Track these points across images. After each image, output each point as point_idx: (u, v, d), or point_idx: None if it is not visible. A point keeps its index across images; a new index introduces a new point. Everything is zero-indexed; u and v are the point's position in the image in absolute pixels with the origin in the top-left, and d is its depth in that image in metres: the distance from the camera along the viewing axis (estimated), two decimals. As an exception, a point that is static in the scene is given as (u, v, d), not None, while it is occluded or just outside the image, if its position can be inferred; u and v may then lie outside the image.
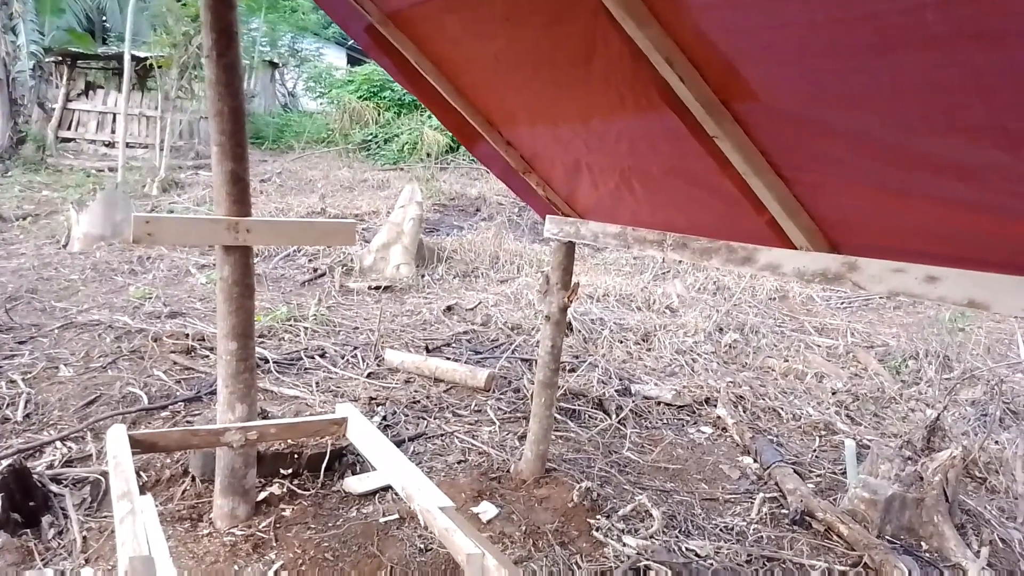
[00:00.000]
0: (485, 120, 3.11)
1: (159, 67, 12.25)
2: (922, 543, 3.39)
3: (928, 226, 1.87)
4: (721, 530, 3.38)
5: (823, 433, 4.70)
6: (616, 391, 4.97)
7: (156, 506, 2.71)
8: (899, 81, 1.48)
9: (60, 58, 15.07)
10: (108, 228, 8.32)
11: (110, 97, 15.02)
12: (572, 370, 5.31)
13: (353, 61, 22.77)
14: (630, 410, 4.69)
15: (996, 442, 4.38)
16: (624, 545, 3.12)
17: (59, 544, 2.87)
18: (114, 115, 14.71)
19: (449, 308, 6.96)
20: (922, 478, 3.52)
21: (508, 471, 3.75)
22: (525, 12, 2.24)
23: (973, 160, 1.56)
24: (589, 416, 4.63)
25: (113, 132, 14.62)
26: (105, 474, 3.25)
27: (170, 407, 4.18)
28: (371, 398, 4.61)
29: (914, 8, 1.30)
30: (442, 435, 4.17)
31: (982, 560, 3.23)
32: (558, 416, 4.36)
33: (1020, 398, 5.28)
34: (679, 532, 3.31)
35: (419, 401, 4.63)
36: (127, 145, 12.61)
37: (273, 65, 19.99)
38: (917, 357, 6.14)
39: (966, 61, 1.33)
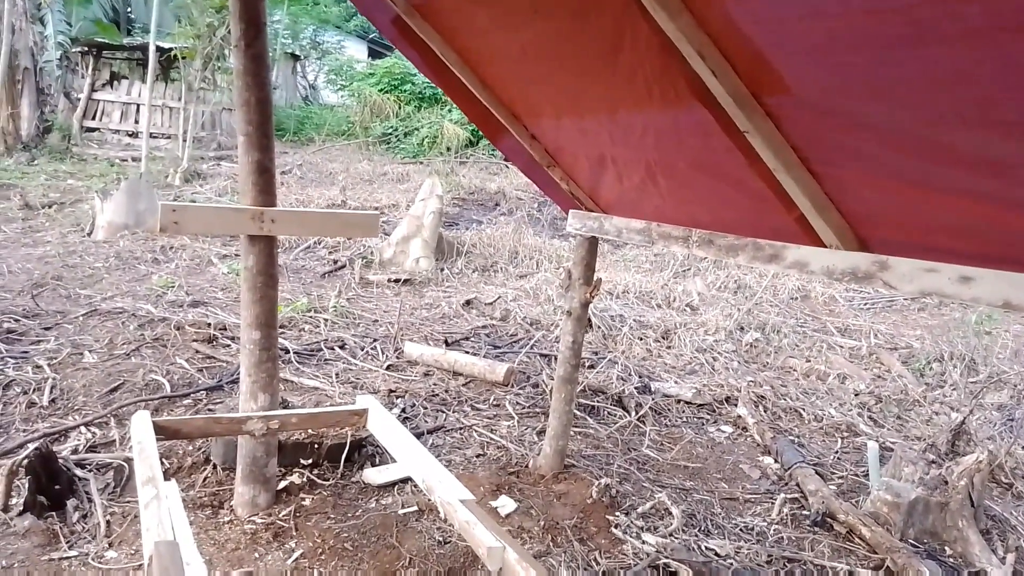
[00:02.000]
0: (510, 113, 3.10)
1: (183, 58, 12.35)
2: (946, 548, 3.34)
3: (961, 223, 1.83)
4: (741, 530, 3.35)
5: (845, 435, 4.64)
6: (636, 388, 4.95)
7: (179, 492, 2.73)
8: (933, 74, 1.45)
9: (86, 48, 15.23)
10: (131, 217, 8.41)
11: (134, 87, 15.16)
12: (591, 366, 5.29)
13: (374, 54, 22.82)
14: (650, 407, 4.67)
15: (1023, 447, 4.31)
16: (643, 543, 3.10)
17: (83, 528, 2.91)
18: (138, 105, 14.86)
19: (468, 302, 6.96)
20: (947, 482, 3.47)
21: (527, 466, 3.75)
22: (553, 3, 2.22)
23: (1008, 155, 1.52)
24: (608, 413, 4.61)
25: (137, 122, 14.76)
26: (128, 460, 3.29)
27: (192, 395, 4.22)
28: (390, 390, 4.62)
29: (950, 0, 1.27)
30: (461, 428, 4.18)
31: (1008, 567, 3.18)
32: (577, 412, 4.35)
33: (1048, 403, 5.20)
34: (699, 531, 3.29)
35: (438, 394, 4.63)
36: (150, 135, 12.71)
37: (295, 57, 20.09)
38: (942, 359, 6.05)
39: (1002, 54, 1.30)
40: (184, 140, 12.42)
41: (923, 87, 1.51)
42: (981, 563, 3.20)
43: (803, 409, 4.95)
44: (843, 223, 2.16)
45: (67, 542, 2.80)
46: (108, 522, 2.94)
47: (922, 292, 2.00)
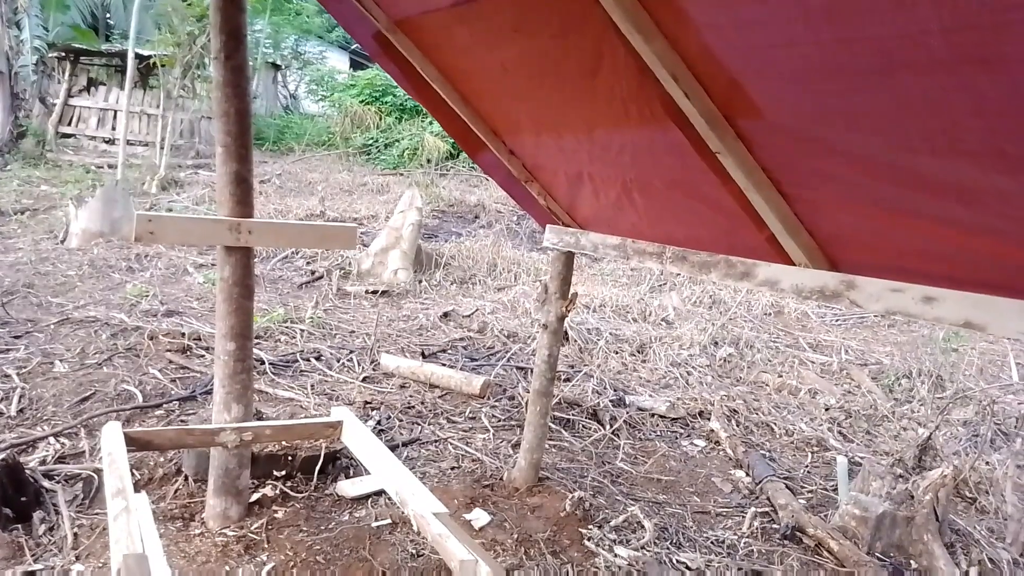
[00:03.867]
0: (489, 129, 3.13)
1: (162, 65, 12.28)
2: (911, 561, 3.40)
3: (927, 246, 1.89)
4: (712, 543, 3.39)
5: (815, 449, 4.71)
6: (611, 402, 4.98)
7: (150, 504, 2.70)
8: (902, 102, 1.51)
9: (63, 54, 15.07)
10: (106, 225, 8.31)
11: (112, 94, 15.02)
12: (567, 380, 5.32)
13: (356, 65, 22.85)
14: (624, 421, 4.70)
15: (987, 463, 4.40)
16: (615, 556, 3.12)
17: (50, 540, 2.87)
18: (115, 112, 14.71)
19: (446, 314, 6.97)
20: (913, 496, 3.53)
21: (501, 479, 3.76)
22: (535, 24, 2.26)
23: (973, 183, 1.58)
24: (583, 426, 4.63)
25: (114, 129, 14.61)
26: (98, 471, 3.24)
27: (164, 406, 4.18)
28: (366, 402, 4.61)
29: (918, 32, 1.32)
30: (436, 441, 4.18)
31: (971, 580, 3.24)
32: (552, 425, 4.37)
33: (1011, 419, 5.31)
34: (670, 544, 3.31)
35: (414, 406, 4.63)
36: (127, 142, 12.60)
37: (276, 67, 20.06)
38: (910, 376, 6.16)
39: (969, 85, 1.35)
40: (162, 148, 12.32)
41: (893, 115, 1.56)
42: (945, 576, 3.27)
43: (775, 423, 5.01)
44: (812, 243, 2.22)
45: (32, 555, 2.75)
46: (76, 534, 2.90)
47: (888, 311, 2.06)
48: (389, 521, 3.22)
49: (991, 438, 4.97)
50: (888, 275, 2.01)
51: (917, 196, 1.75)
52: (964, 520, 3.78)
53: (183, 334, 5.29)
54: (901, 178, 1.73)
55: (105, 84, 15.36)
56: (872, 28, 1.39)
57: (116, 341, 5.09)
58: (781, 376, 6.06)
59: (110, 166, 12.57)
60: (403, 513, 2.93)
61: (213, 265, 7.56)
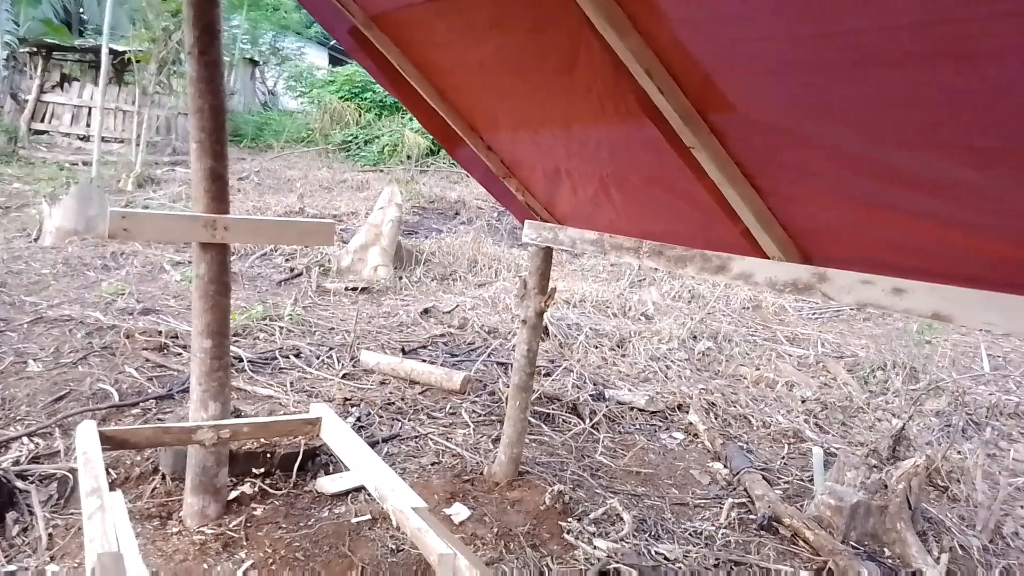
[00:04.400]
0: (467, 125, 3.14)
1: (137, 61, 12.11)
2: (885, 549, 3.46)
3: (899, 239, 1.92)
4: (690, 534, 3.43)
5: (792, 440, 4.77)
6: (590, 396, 5.01)
7: (125, 503, 2.68)
8: (876, 97, 1.53)
9: (35, 49, 14.80)
10: (81, 223, 8.19)
11: (86, 90, 14.78)
12: (547, 374, 5.34)
13: (335, 61, 22.67)
14: (604, 415, 4.73)
15: (958, 452, 4.49)
16: (595, 548, 3.15)
17: (24, 541, 2.84)
18: (89, 108, 14.48)
19: (426, 311, 6.96)
20: (886, 486, 3.60)
21: (481, 473, 3.77)
22: (511, 19, 2.27)
23: (946, 176, 1.61)
24: (563, 420, 4.66)
25: (88, 126, 14.39)
26: (73, 471, 3.21)
27: (141, 404, 4.14)
28: (346, 399, 4.60)
29: (892, 27, 1.34)
30: (416, 437, 4.18)
31: (942, 566, 3.31)
32: (532, 420, 4.39)
33: (982, 409, 5.41)
34: (649, 536, 3.35)
35: (394, 403, 4.63)
36: (102, 139, 12.42)
37: (254, 63, 19.84)
38: (885, 368, 6.26)
39: (940, 80, 1.37)
40: (138, 145, 12.16)
41: (867, 109, 1.58)
42: (917, 563, 3.33)
43: (752, 416, 5.07)
44: (785, 237, 2.25)
45: (6, 556, 2.72)
46: (50, 535, 2.87)
47: (859, 303, 2.09)
48: (369, 517, 3.22)
49: (963, 428, 5.07)
50: (860, 268, 2.04)
51: (890, 189, 1.78)
52: (936, 508, 3.85)
53: (160, 332, 5.23)
54: (874, 171, 1.76)
55: (79, 80, 15.12)
56: (847, 22, 1.40)
57: (91, 340, 5.03)
58: (759, 369, 6.13)
59: (85, 163, 12.39)
60: (383, 509, 2.93)
61: (190, 262, 7.48)
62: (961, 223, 1.70)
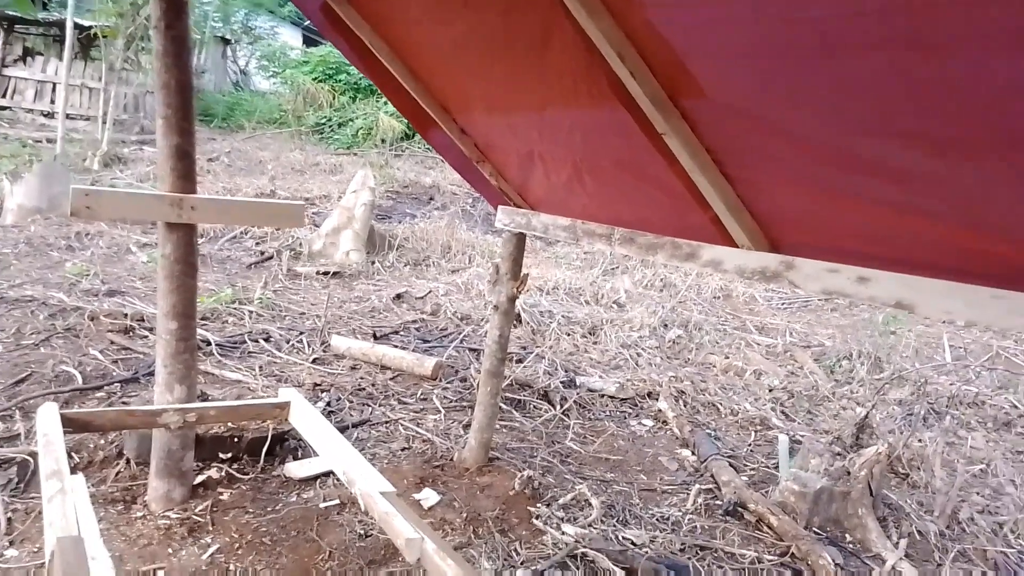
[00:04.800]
0: (440, 106, 3.11)
1: (104, 37, 11.79)
2: (847, 534, 3.54)
3: (863, 228, 1.94)
4: (657, 520, 3.47)
5: (759, 428, 4.85)
6: (561, 383, 5.03)
7: (88, 487, 2.64)
8: (840, 83, 1.53)
9: (-4, 21, 14.36)
10: (44, 201, 7.99)
11: (50, 65, 14.37)
12: (519, 361, 5.35)
13: (309, 42, 22.30)
14: (574, 402, 4.76)
15: (919, 440, 4.59)
16: (563, 533, 3.17)
17: (-18, 525, 2.77)
18: (54, 84, 14.09)
19: (399, 296, 6.92)
20: (849, 472, 3.67)
21: (452, 459, 3.77)
22: (483, -2, 2.24)
23: (906, 164, 1.63)
24: (534, 406, 4.67)
25: (52, 102, 14.00)
26: (33, 454, 3.14)
27: (106, 387, 4.06)
28: (315, 384, 4.56)
29: (854, 14, 1.35)
30: (387, 422, 4.16)
31: (900, 551, 3.39)
32: (503, 406, 4.39)
33: (943, 399, 5.54)
34: (617, 521, 3.38)
35: (364, 388, 4.60)
36: (67, 116, 12.10)
37: (225, 41, 19.45)
38: (850, 357, 6.37)
39: (901, 69, 1.38)
40: (104, 123, 11.88)
41: (831, 96, 1.59)
42: (877, 548, 3.41)
43: (721, 404, 5.13)
44: (754, 225, 2.26)
45: (-36, 540, 2.66)
46: (9, 519, 2.81)
47: (825, 291, 2.12)
48: (337, 502, 3.20)
49: (924, 416, 5.18)
50: (826, 256, 2.06)
51: (854, 177, 1.79)
52: (896, 495, 3.94)
53: (126, 315, 5.14)
54: (839, 159, 1.77)
55: (43, 55, 14.68)
56: (813, 8, 1.41)
57: (54, 321, 4.92)
58: (728, 358, 6.20)
59: (49, 140, 12.05)
60: (351, 493, 2.92)
61: (157, 244, 7.35)
62: (923, 212, 1.72)
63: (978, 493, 4.14)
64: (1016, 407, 5.59)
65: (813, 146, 1.80)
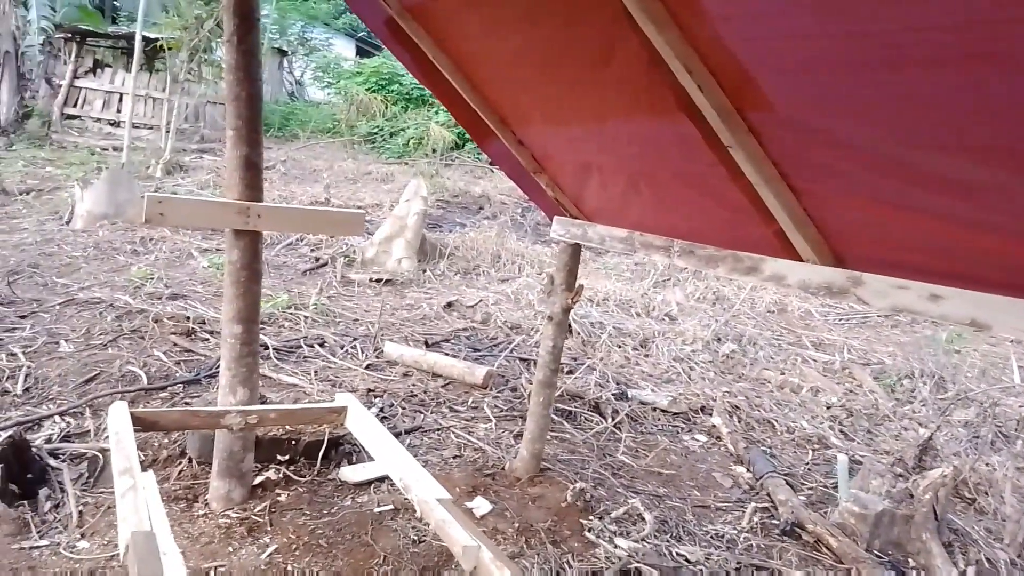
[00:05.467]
0: (498, 118, 3.13)
1: (168, 49, 12.24)
2: (909, 559, 3.42)
3: (932, 243, 1.89)
4: (712, 537, 3.40)
5: (816, 447, 4.72)
6: (613, 395, 5.00)
7: (155, 484, 2.72)
8: (910, 97, 1.51)
9: (69, 35, 15.02)
10: (111, 207, 8.32)
11: (117, 76, 14.98)
12: (570, 372, 5.33)
13: (362, 53, 22.77)
14: (626, 414, 4.71)
15: (987, 464, 4.41)
16: (616, 547, 3.14)
17: (55, 518, 2.89)
18: (121, 95, 14.68)
19: (449, 304, 6.98)
20: (912, 495, 3.55)
21: (503, 468, 3.78)
22: (545, 12, 2.26)
23: (979, 179, 1.58)
24: (585, 418, 4.65)
25: (119, 111, 14.59)
26: (103, 450, 3.27)
27: (169, 388, 4.19)
28: (369, 390, 4.63)
29: (927, 27, 1.33)
30: (438, 430, 4.19)
31: (968, 579, 3.26)
32: (554, 417, 4.38)
33: (1012, 421, 5.32)
34: (670, 537, 3.33)
35: (416, 395, 4.64)
36: (132, 125, 12.58)
37: (282, 53, 20.00)
38: (912, 376, 6.17)
39: (975, 81, 1.35)
40: (167, 131, 12.31)
41: (900, 109, 1.57)
42: (942, 574, 3.28)
43: (776, 420, 5.02)
44: (819, 238, 2.22)
45: (38, 531, 2.78)
46: (80, 512, 2.92)
47: (893, 308, 2.06)
48: (391, 507, 3.24)
49: (991, 440, 4.98)
50: (892, 271, 2.01)
51: (922, 192, 1.75)
52: (963, 520, 3.79)
53: (188, 318, 5.30)
54: (907, 173, 1.74)
55: (111, 66, 15.34)
56: (881, 22, 1.39)
57: (121, 323, 5.10)
58: (783, 373, 6.07)
59: (115, 149, 12.56)
60: (405, 499, 2.95)
61: (218, 250, 7.57)
62: (995, 227, 1.68)
63: (1050, 521, 3.95)
64: (1091, 432, 5.32)
65: (879, 159, 1.77)
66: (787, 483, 3.96)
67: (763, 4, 1.61)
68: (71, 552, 2.69)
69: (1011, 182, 1.51)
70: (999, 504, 3.97)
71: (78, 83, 14.91)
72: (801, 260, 2.29)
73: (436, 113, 14.98)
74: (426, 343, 5.73)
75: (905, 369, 6.34)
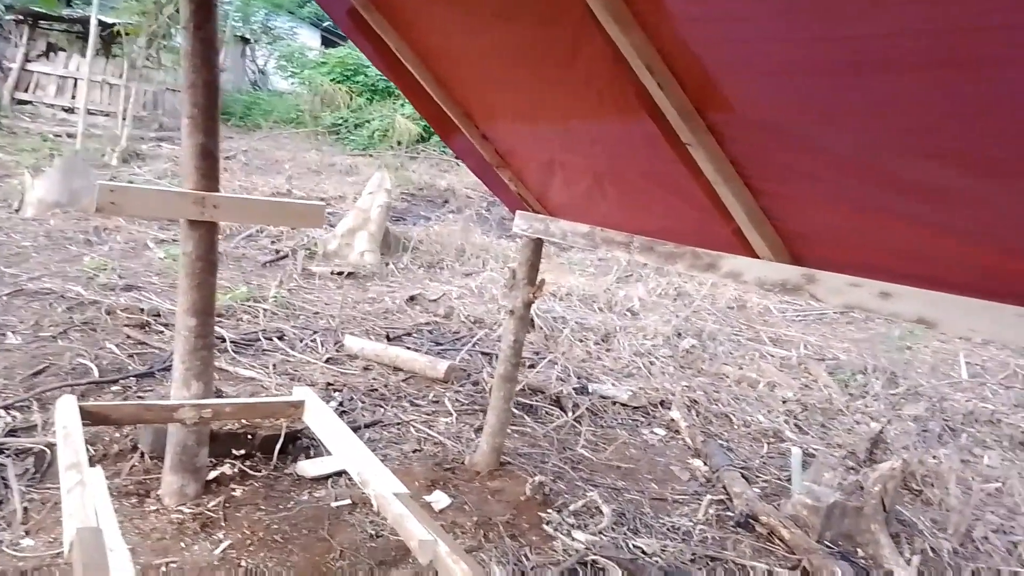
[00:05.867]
0: (463, 112, 3.12)
1: (127, 34, 11.92)
2: (858, 550, 3.51)
3: (889, 243, 1.93)
4: (668, 529, 3.45)
5: (772, 440, 4.82)
6: (574, 389, 5.03)
7: (104, 479, 2.66)
8: (873, 102, 1.53)
9: (21, 17, 14.54)
10: (64, 195, 8.07)
11: (72, 61, 14.54)
12: (532, 366, 5.35)
13: (327, 43, 22.46)
14: (586, 408, 4.75)
15: (934, 457, 4.56)
16: (573, 540, 3.17)
17: (-1, 515, 2.80)
18: (75, 80, 14.25)
19: (412, 298, 6.94)
20: (863, 488, 3.65)
21: (463, 462, 3.77)
22: (514, 10, 2.25)
23: (940, 183, 1.62)
24: (546, 412, 4.67)
25: (74, 97, 14.16)
26: (50, 445, 3.17)
27: (121, 381, 4.10)
28: (328, 383, 4.58)
29: (892, 33, 1.35)
30: (398, 424, 4.17)
31: (913, 568, 3.36)
32: (515, 411, 4.40)
33: (958, 416, 5.49)
34: (628, 529, 3.37)
35: (377, 389, 4.61)
36: (88, 112, 12.23)
37: (244, 41, 19.61)
38: (865, 372, 6.33)
39: (942, 87, 1.38)
40: (124, 119, 11.99)
41: (864, 114, 1.59)
42: (890, 564, 3.38)
43: (733, 415, 5.11)
44: (776, 237, 2.26)
45: (-19, 528, 2.69)
46: (26, 509, 2.84)
47: (846, 305, 2.11)
48: (349, 501, 3.21)
49: (939, 433, 5.14)
50: (849, 271, 2.06)
51: (884, 194, 1.79)
52: (910, 511, 3.91)
53: (142, 309, 5.18)
54: (869, 176, 1.77)
55: (65, 51, 14.87)
56: (848, 27, 1.41)
57: (72, 315, 4.96)
58: (741, 369, 6.18)
59: (69, 135, 12.19)
60: (364, 493, 2.92)
61: (175, 240, 7.40)
62: (952, 230, 1.72)
63: (993, 512, 4.10)
64: (1032, 427, 5.53)
65: (841, 162, 1.80)
66: (743, 476, 4.03)
67: (729, 7, 1.62)
68: (15, 550, 2.61)
69: (972, 186, 1.55)
70: (944, 495, 4.10)
71: (30, 67, 14.45)
72: (758, 258, 2.33)
73: (402, 105, 14.84)
74: (387, 337, 5.69)
75: (859, 365, 6.50)
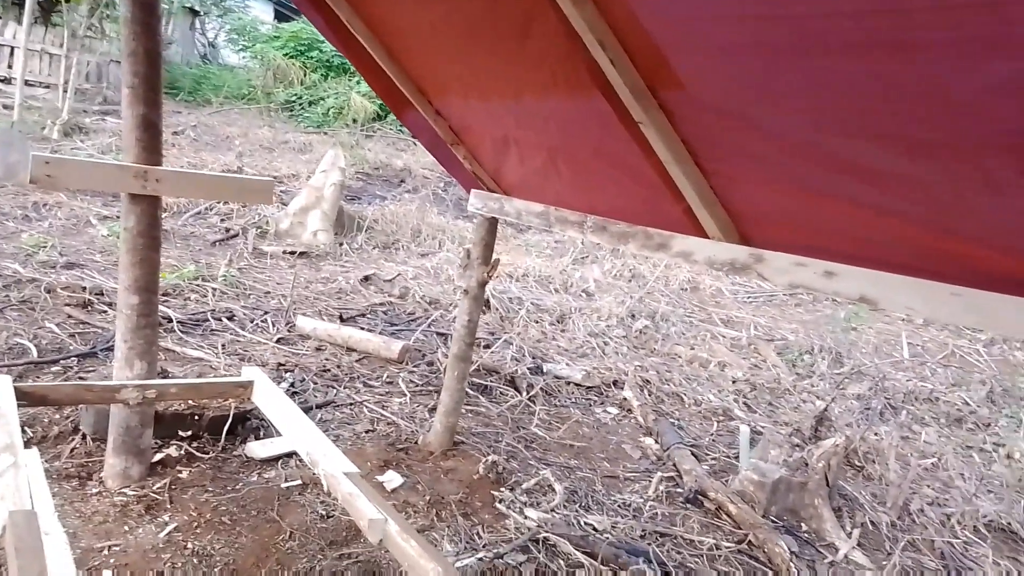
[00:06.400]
0: (416, 87, 3.07)
1: (67, 1, 11.41)
2: (802, 524, 3.62)
3: (833, 224, 1.97)
4: (619, 506, 3.50)
5: (721, 418, 4.92)
6: (528, 369, 5.05)
7: (42, 462, 2.57)
8: (816, 83, 1.55)
9: (-48, -20, 13.79)
10: (0, 169, 7.74)
11: (8, 29, 13.85)
12: (487, 346, 5.35)
13: (281, 16, 21.86)
14: (541, 388, 4.78)
15: (875, 433, 4.71)
16: (526, 518, 3.19)
17: (-71, 499, 2.68)
18: (12, 49, 13.59)
19: (366, 278, 6.86)
20: (807, 464, 3.75)
21: (416, 442, 3.76)
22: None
23: (879, 165, 1.65)
24: (500, 392, 4.68)
25: (10, 67, 13.51)
26: (-15, 428, 3.05)
27: (62, 362, 3.96)
28: (280, 364, 4.51)
29: (833, 14, 1.36)
30: (351, 404, 4.13)
31: (853, 540, 3.48)
32: (470, 391, 4.39)
33: (899, 394, 5.69)
34: (579, 507, 3.41)
35: (329, 369, 4.56)
36: (26, 83, 11.70)
37: (194, 12, 18.96)
38: (812, 352, 6.50)
39: (879, 71, 1.40)
40: (65, 91, 11.50)
41: (808, 95, 1.60)
42: (831, 537, 3.50)
43: (685, 394, 5.20)
44: (727, 218, 2.28)
45: (-91, 514, 2.58)
46: (-41, 493, 2.73)
47: (792, 285, 2.15)
48: (299, 482, 3.18)
49: (880, 411, 5.32)
50: (795, 251, 2.09)
51: (828, 176, 1.81)
52: (852, 486, 4.04)
53: (84, 288, 5.01)
54: (813, 157, 1.79)
55: (0, 18, 14.16)
56: (793, 7, 1.41)
57: (8, 293, 4.77)
58: (693, 349, 6.28)
59: (5, 107, 11.64)
60: (314, 474, 2.89)
61: (119, 217, 7.17)
62: (894, 212, 1.76)
63: (929, 486, 4.27)
64: (968, 404, 5.76)
65: (788, 143, 1.82)
66: (692, 453, 4.11)
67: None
68: (-53, 535, 2.51)
69: (907, 169, 1.58)
70: (884, 471, 4.25)
71: (-38, 34, 13.72)
72: (708, 238, 2.36)
73: (358, 83, 14.56)
74: (341, 317, 5.62)
75: (806, 345, 6.67)
